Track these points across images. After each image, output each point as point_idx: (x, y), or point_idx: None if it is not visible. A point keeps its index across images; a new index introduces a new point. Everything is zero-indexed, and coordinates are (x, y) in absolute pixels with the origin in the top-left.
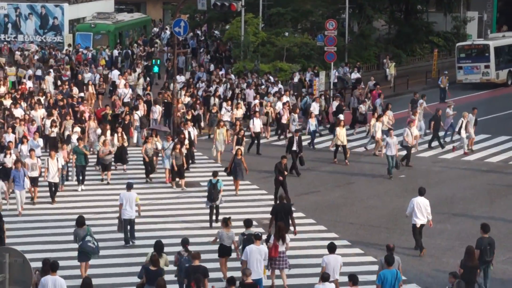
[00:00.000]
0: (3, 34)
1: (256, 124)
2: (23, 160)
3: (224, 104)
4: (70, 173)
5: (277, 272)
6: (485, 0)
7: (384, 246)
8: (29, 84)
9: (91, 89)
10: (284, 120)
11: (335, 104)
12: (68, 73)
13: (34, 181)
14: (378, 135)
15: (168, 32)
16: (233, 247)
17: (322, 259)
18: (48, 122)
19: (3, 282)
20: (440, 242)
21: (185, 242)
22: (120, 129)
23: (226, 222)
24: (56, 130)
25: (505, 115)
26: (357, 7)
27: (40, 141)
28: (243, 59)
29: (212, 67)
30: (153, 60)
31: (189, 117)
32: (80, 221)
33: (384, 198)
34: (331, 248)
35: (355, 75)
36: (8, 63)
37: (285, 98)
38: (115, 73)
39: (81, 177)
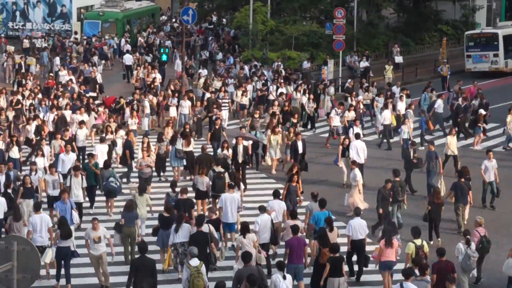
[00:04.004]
0: (11, 22)
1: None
2: (40, 176)
3: (335, 107)
4: None
5: None
6: None
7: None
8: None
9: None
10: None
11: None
12: (75, 61)
13: (56, 200)
14: None
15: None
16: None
17: (268, 203)
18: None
19: (11, 269)
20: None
21: (173, 184)
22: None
23: (199, 171)
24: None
25: None
26: None
27: (73, 156)
28: (252, 48)
29: (220, 55)
30: (161, 48)
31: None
32: (107, 164)
33: None
34: (275, 194)
35: (364, 63)
36: (17, 51)
37: (405, 100)
38: (127, 57)
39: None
